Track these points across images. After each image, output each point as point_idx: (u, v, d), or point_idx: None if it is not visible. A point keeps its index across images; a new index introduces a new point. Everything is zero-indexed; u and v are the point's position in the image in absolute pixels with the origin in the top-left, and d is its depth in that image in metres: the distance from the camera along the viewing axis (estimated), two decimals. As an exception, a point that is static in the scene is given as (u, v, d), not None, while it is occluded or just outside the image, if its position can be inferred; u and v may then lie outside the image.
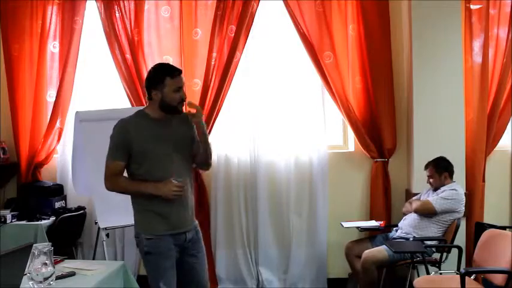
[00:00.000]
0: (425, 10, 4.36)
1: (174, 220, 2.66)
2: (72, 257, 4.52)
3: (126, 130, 2.62)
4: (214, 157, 2.85)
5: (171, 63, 2.70)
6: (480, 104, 4.45)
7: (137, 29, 4.70)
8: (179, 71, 2.65)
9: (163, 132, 2.66)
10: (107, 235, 4.10)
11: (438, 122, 4.38)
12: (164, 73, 2.62)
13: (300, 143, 4.74)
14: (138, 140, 2.60)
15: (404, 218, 4.19)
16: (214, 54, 4.58)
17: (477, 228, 4.18)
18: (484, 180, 4.51)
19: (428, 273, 3.82)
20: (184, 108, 2.69)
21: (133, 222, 4.12)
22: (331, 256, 4.70)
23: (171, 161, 2.64)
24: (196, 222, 2.82)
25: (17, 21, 4.87)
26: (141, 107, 4.44)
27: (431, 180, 4.11)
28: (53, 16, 4.85)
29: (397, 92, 4.64)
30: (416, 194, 4.28)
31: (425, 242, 3.85)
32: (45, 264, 2.23)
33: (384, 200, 4.62)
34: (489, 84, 4.49)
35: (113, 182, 2.65)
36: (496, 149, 4.61)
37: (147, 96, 2.68)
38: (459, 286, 3.07)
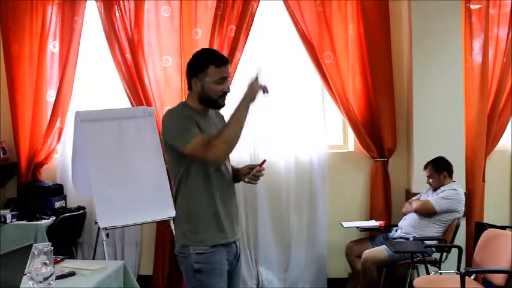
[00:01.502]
0: (425, 10, 4.36)
1: (227, 227, 2.32)
2: (72, 257, 4.52)
3: (184, 113, 2.27)
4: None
5: (218, 52, 2.45)
6: (480, 104, 4.45)
7: (137, 29, 4.70)
8: (226, 61, 2.33)
9: (209, 127, 2.35)
10: (107, 235, 4.09)
11: (438, 122, 4.38)
12: (208, 60, 2.29)
13: (300, 143, 4.74)
14: (198, 127, 2.26)
15: (404, 218, 4.20)
16: (214, 54, 4.57)
17: (477, 228, 4.18)
18: (484, 180, 4.51)
19: (428, 273, 3.82)
20: (225, 102, 2.37)
21: (133, 222, 4.20)
22: (331, 256, 4.70)
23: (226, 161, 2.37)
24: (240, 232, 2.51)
25: (17, 21, 4.86)
26: (142, 107, 4.54)
27: (430, 180, 4.11)
28: (53, 16, 4.84)
29: (397, 92, 4.64)
30: (416, 194, 4.29)
31: (425, 241, 3.86)
32: (45, 264, 2.22)
33: (384, 200, 4.62)
34: (489, 84, 4.49)
35: (214, 148, 2.17)
36: (496, 149, 4.61)
37: (187, 85, 2.38)
38: (459, 286, 3.07)
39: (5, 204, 4.82)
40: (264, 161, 2.38)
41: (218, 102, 2.33)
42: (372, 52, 4.55)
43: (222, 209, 2.31)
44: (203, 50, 2.42)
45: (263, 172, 2.37)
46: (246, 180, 2.39)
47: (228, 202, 2.36)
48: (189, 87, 2.35)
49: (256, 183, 2.42)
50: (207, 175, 2.28)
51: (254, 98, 2.24)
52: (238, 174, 2.43)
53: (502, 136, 4.61)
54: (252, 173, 2.36)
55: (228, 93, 2.34)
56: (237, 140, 2.22)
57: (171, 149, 2.28)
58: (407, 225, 4.07)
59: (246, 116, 2.22)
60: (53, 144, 4.90)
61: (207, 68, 2.27)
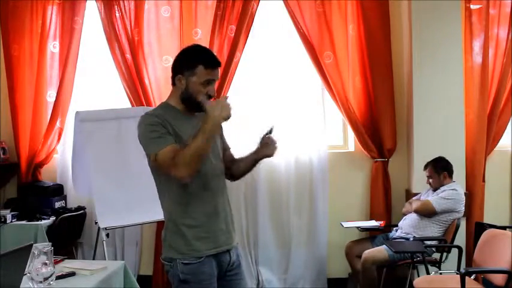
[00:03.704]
0: (425, 10, 4.36)
1: (219, 235, 2.17)
2: (72, 257, 4.52)
3: (160, 117, 2.09)
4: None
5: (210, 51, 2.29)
6: (480, 104, 4.45)
7: (137, 29, 4.70)
8: (217, 63, 2.15)
9: (194, 128, 2.13)
10: (107, 235, 4.09)
11: (438, 122, 4.38)
12: (198, 59, 2.12)
13: (300, 143, 4.74)
14: (174, 132, 2.10)
15: (404, 218, 4.20)
16: (214, 54, 4.57)
17: (477, 228, 4.18)
18: (484, 180, 4.51)
19: (428, 273, 3.82)
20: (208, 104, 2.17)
21: (133, 222, 4.20)
22: (331, 256, 4.70)
23: (209, 162, 2.15)
24: (237, 240, 2.32)
25: (17, 21, 4.87)
26: (142, 107, 4.54)
27: (430, 180, 4.11)
28: (53, 16, 4.85)
29: (397, 92, 4.64)
30: (417, 194, 4.29)
31: (425, 242, 3.85)
32: (45, 264, 2.22)
33: (384, 200, 4.62)
34: (489, 84, 4.49)
35: (178, 164, 1.98)
36: (496, 149, 4.62)
37: (171, 80, 2.21)
38: (459, 286, 3.07)
39: (5, 204, 4.82)
40: (272, 129, 2.26)
41: (200, 105, 2.12)
42: (372, 52, 4.56)
43: (211, 217, 2.15)
44: (194, 46, 2.24)
45: (274, 139, 2.26)
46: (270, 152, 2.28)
47: (219, 208, 2.19)
48: (173, 83, 2.19)
49: (272, 154, 2.27)
50: (192, 181, 2.09)
51: (216, 122, 2.01)
52: (253, 156, 2.31)
53: (502, 136, 4.61)
54: (263, 141, 2.26)
55: (212, 97, 2.16)
56: (197, 161, 2.02)
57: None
58: (408, 225, 4.07)
59: (207, 139, 2.00)
60: (53, 144, 4.90)
61: (196, 67, 2.10)
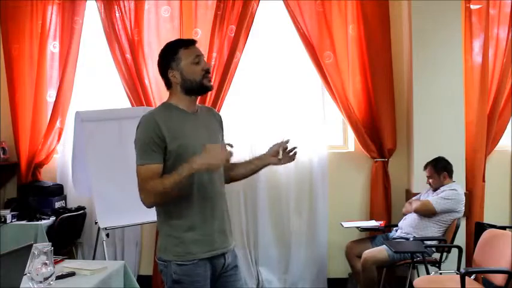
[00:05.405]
0: (425, 10, 4.36)
1: (214, 238, 2.16)
2: (72, 257, 4.52)
3: (155, 124, 2.10)
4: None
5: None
6: (480, 104, 4.45)
7: (137, 29, 4.70)
8: (193, 41, 2.22)
9: (197, 126, 2.20)
10: (107, 235, 4.10)
11: (438, 122, 4.38)
12: (175, 46, 2.18)
13: (300, 143, 4.71)
14: (171, 135, 2.10)
15: (404, 218, 4.20)
16: (214, 54, 4.57)
17: (477, 228, 4.18)
18: (484, 180, 4.51)
19: (428, 273, 3.82)
20: (211, 82, 2.23)
21: (133, 222, 4.20)
22: (331, 256, 4.70)
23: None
24: (234, 243, 2.31)
25: (17, 21, 4.87)
26: (142, 107, 4.54)
27: (430, 180, 4.11)
28: (53, 16, 4.85)
29: (397, 92, 4.64)
30: (417, 194, 4.29)
31: (425, 242, 3.86)
32: (45, 264, 2.22)
33: (384, 200, 4.62)
34: (489, 84, 4.49)
35: (148, 190, 2.07)
36: (496, 149, 4.62)
37: (165, 85, 2.25)
38: (459, 286, 3.07)
39: (5, 204, 4.82)
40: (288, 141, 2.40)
41: (203, 84, 2.18)
42: (372, 52, 4.56)
43: (207, 220, 2.15)
44: (166, 44, 2.27)
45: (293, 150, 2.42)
46: (282, 162, 2.40)
47: (216, 212, 2.19)
48: (168, 86, 2.23)
49: (277, 163, 2.43)
50: (189, 185, 2.10)
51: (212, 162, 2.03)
52: (255, 164, 2.43)
53: (502, 136, 4.62)
54: (272, 150, 2.42)
55: (209, 70, 2.20)
56: (164, 198, 2.09)
57: None
58: (408, 225, 4.07)
59: (187, 179, 2.05)
60: (53, 144, 4.90)
61: (178, 53, 2.16)
